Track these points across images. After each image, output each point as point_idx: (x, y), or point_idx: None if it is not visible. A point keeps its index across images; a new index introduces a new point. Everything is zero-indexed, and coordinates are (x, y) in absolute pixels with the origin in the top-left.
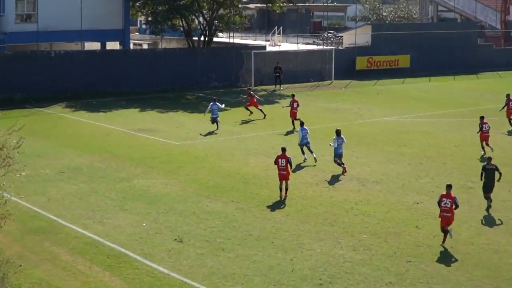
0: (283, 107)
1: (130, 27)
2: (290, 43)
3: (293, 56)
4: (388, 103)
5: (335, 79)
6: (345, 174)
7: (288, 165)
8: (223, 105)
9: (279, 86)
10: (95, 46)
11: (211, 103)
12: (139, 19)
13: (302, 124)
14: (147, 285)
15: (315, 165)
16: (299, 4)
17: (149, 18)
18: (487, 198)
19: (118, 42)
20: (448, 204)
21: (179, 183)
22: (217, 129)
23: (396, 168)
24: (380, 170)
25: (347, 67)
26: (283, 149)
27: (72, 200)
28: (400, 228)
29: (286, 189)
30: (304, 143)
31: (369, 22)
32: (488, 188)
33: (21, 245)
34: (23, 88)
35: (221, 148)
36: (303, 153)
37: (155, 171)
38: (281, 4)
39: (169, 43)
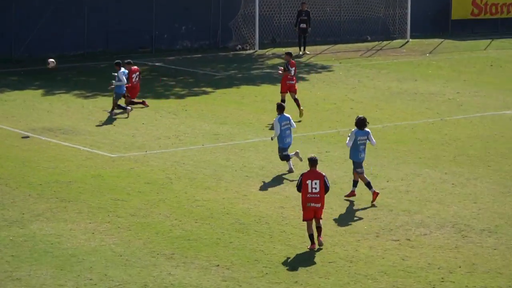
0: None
1: None
2: None
3: None
4: (510, 82)
5: (412, 37)
6: (350, 196)
7: (324, 190)
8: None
9: (303, 48)
10: None
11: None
12: None
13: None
14: None
15: (370, 199)
16: None
17: None
18: None
19: None
20: None
21: (117, 230)
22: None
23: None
24: (498, 210)
25: (434, 14)
26: (312, 161)
27: None
28: None
29: (319, 229)
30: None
31: None
32: None
33: None
34: None
35: (196, 165)
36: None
37: (73, 207)
38: None
39: None
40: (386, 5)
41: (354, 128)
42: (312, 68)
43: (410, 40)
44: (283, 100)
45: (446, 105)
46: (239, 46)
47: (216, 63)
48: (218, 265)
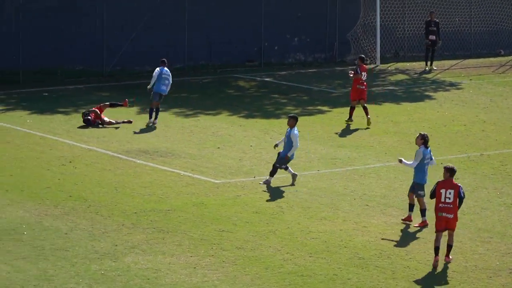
0: None
1: None
2: None
3: (463, 2)
4: None
5: None
6: (408, 223)
7: (457, 201)
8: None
9: (430, 63)
10: None
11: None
12: None
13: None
14: None
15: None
16: None
17: None
18: None
19: None
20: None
21: (221, 265)
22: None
23: None
24: None
25: None
26: (450, 170)
27: None
28: None
29: (449, 248)
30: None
31: None
32: None
33: None
34: None
35: (311, 192)
36: None
37: (172, 239)
38: None
39: None
40: None
41: (420, 147)
42: (440, 85)
43: None
44: (352, 108)
45: None
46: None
47: (332, 79)
48: None
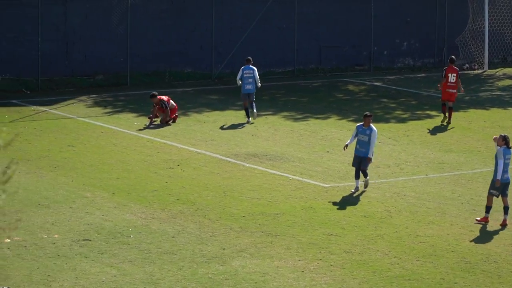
0: None
1: None
2: None
3: None
4: None
5: None
6: (481, 222)
7: None
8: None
9: None
10: None
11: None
12: None
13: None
14: None
15: None
16: None
17: None
18: None
19: None
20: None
21: (329, 268)
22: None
23: None
24: None
25: None
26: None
27: None
28: None
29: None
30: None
31: None
32: None
33: None
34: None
35: (419, 196)
36: None
37: (280, 242)
38: None
39: None
40: None
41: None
42: None
43: None
44: (443, 105)
45: None
46: (467, 65)
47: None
48: None
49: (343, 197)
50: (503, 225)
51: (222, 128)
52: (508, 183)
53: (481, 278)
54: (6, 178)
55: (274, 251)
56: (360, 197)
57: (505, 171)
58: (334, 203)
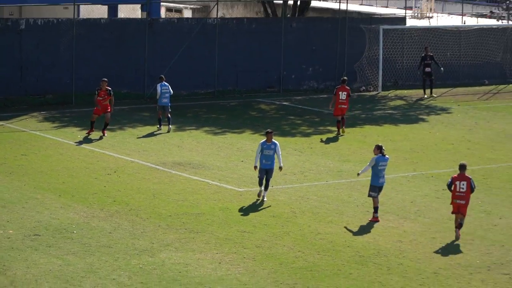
0: None
1: None
2: (449, 14)
3: (454, 38)
4: None
5: None
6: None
7: (470, 192)
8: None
9: (429, 91)
10: (97, 12)
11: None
12: None
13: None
14: None
15: (484, 236)
16: None
17: None
18: None
19: (138, 6)
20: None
21: (242, 260)
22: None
23: None
24: None
25: None
26: (462, 166)
27: (53, 285)
28: None
29: (460, 225)
30: (379, 185)
31: None
32: None
33: None
34: None
35: (320, 200)
36: None
37: (201, 238)
38: None
39: (230, 9)
40: (504, 51)
41: (377, 154)
42: (432, 110)
43: None
44: (338, 122)
45: None
46: (363, 87)
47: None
48: None
49: (255, 200)
50: (373, 221)
51: (152, 140)
52: (382, 185)
53: (373, 269)
54: None
55: (196, 245)
56: (269, 200)
57: (381, 176)
58: (247, 205)
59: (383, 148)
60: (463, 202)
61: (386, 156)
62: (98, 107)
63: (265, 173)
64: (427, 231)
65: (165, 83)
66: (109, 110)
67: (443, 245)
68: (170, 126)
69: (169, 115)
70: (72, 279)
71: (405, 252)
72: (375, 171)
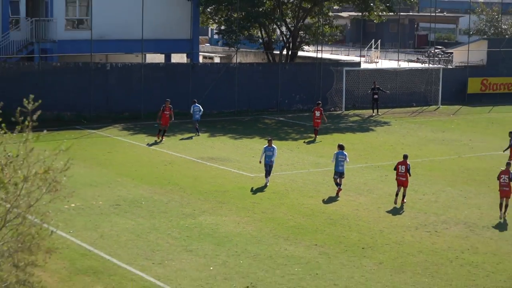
0: (503, 151)
1: (200, 37)
2: (390, 60)
3: (392, 76)
4: (505, 134)
5: (442, 104)
6: (338, 197)
7: (407, 173)
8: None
9: (376, 111)
10: (158, 59)
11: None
12: (210, 27)
13: (341, 147)
14: None
15: (413, 206)
16: (401, 14)
17: (222, 27)
18: None
19: (185, 55)
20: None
21: (253, 221)
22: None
23: (511, 211)
24: (492, 214)
25: (456, 90)
26: (404, 156)
27: (128, 237)
28: None
29: (404, 196)
30: (339, 171)
31: (485, 36)
32: None
33: (68, 287)
34: (73, 106)
35: (304, 182)
36: (336, 184)
37: (226, 207)
38: (380, 13)
39: (245, 56)
40: (426, 83)
41: (337, 150)
42: (378, 123)
43: (441, 106)
44: (315, 130)
45: (462, 147)
46: (332, 108)
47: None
48: (316, 244)
49: (261, 182)
50: (337, 193)
51: (193, 142)
52: (342, 172)
53: (339, 228)
54: (66, 168)
55: (223, 211)
56: (272, 182)
57: (340, 165)
58: (256, 186)
59: (343, 146)
60: (403, 178)
61: (344, 152)
62: (160, 121)
63: (268, 167)
64: (375, 203)
65: (197, 104)
66: (167, 123)
67: (386, 212)
68: (198, 134)
69: (197, 127)
70: (141, 234)
71: (360, 217)
72: (336, 161)
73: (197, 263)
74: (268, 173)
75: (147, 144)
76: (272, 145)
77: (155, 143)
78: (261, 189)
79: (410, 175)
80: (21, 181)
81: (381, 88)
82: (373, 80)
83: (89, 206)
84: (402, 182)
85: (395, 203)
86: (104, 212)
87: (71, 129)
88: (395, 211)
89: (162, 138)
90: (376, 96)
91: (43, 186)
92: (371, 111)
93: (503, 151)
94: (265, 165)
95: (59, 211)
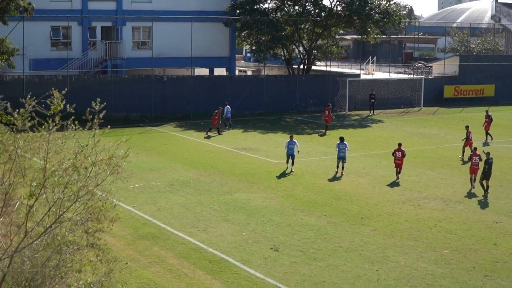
0: (462, 140)
1: (236, 55)
2: (383, 72)
3: (385, 84)
4: (473, 129)
5: (423, 106)
6: (340, 176)
7: (403, 157)
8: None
9: (372, 111)
10: (204, 72)
11: None
12: (244, 48)
13: (341, 139)
14: None
15: (399, 185)
16: (392, 36)
17: (253, 47)
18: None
19: (224, 69)
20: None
21: (276, 197)
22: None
23: (478, 189)
24: (462, 191)
25: (435, 95)
26: (399, 144)
27: (179, 210)
28: (479, 245)
29: (399, 173)
30: (340, 157)
31: (458, 53)
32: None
33: (132, 249)
34: (138, 108)
35: (316, 167)
36: (337, 167)
37: (256, 186)
38: (375, 36)
39: (271, 70)
40: (411, 90)
41: (338, 141)
42: (374, 121)
43: (423, 107)
44: (326, 127)
45: (439, 140)
46: (339, 109)
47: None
48: (325, 215)
49: (283, 167)
50: (340, 174)
51: (229, 136)
52: (343, 157)
53: (343, 202)
54: (126, 155)
55: (253, 190)
56: (291, 167)
57: (341, 152)
58: (280, 170)
59: (343, 138)
60: (399, 161)
61: (345, 142)
62: (213, 122)
63: (290, 157)
64: (371, 183)
65: (228, 106)
66: (216, 123)
67: (380, 190)
68: (231, 128)
69: (230, 123)
70: (189, 207)
71: (360, 194)
72: (338, 150)
73: (233, 229)
74: (292, 162)
75: (205, 137)
76: (294, 139)
77: (202, 137)
78: (283, 173)
79: (405, 156)
80: (90, 165)
81: (375, 95)
82: (371, 88)
83: (149, 186)
84: (398, 164)
85: (398, 178)
86: (161, 191)
87: (136, 127)
88: (387, 189)
89: (219, 132)
90: (373, 100)
91: (108, 170)
92: (369, 111)
93: (462, 140)
94: (287, 155)
95: (126, 189)
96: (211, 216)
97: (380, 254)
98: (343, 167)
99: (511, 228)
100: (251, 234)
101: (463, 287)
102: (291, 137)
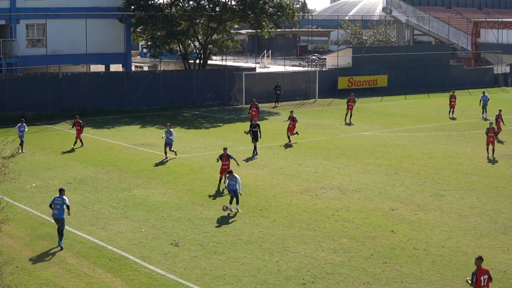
0: (284, 121)
1: (132, 51)
2: (278, 65)
3: (280, 77)
4: (367, 119)
5: (318, 97)
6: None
7: (230, 161)
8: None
9: (277, 103)
10: (99, 68)
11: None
12: (140, 43)
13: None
14: (145, 286)
15: (298, 176)
16: (286, 30)
17: (149, 43)
18: None
19: (120, 65)
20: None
21: (176, 192)
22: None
23: (374, 178)
24: (359, 180)
25: (329, 86)
26: (225, 149)
27: (78, 208)
28: (376, 233)
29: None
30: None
31: (350, 45)
32: None
33: (30, 249)
34: (34, 107)
35: (214, 160)
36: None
37: (154, 181)
38: (269, 30)
39: (167, 65)
40: (306, 82)
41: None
42: (271, 113)
43: (318, 99)
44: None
45: (335, 130)
46: (235, 103)
47: (224, 112)
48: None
49: (181, 161)
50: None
51: (130, 133)
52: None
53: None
54: (12, 155)
55: (151, 185)
56: (188, 161)
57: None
58: (178, 163)
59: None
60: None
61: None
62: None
63: (233, 195)
64: (269, 174)
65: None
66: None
67: (278, 181)
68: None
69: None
70: (87, 205)
71: (259, 186)
72: (227, 183)
73: (132, 226)
74: (236, 201)
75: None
76: (234, 174)
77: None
78: (181, 166)
79: (235, 162)
80: None
81: (281, 87)
82: (276, 81)
83: (46, 185)
84: (225, 169)
85: (218, 187)
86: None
87: (33, 125)
88: (285, 181)
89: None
90: (278, 92)
91: None
92: (267, 104)
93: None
94: (230, 193)
95: (22, 189)
96: (110, 213)
97: (280, 245)
98: (237, 202)
99: (407, 215)
100: (150, 230)
101: (362, 274)
102: (230, 173)
